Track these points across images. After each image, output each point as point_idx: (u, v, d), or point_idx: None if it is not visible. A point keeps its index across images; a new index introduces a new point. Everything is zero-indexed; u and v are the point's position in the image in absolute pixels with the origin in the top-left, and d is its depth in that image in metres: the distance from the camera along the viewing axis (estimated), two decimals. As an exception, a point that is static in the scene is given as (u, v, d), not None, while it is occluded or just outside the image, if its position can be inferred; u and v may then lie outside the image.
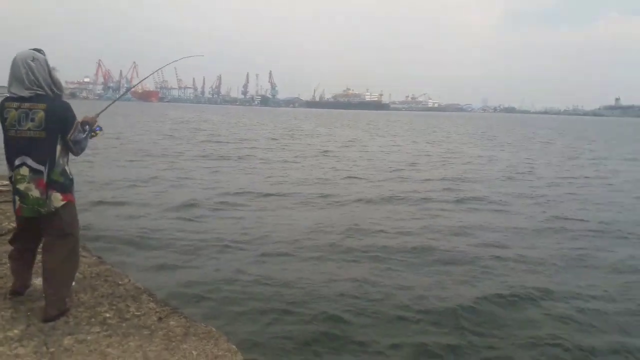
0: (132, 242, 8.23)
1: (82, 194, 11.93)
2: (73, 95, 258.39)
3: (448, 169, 20.10)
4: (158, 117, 67.59)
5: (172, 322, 3.33)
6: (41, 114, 3.14)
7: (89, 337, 3.05)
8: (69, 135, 3.25)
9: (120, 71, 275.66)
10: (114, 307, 3.51)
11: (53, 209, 3.26)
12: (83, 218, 9.29)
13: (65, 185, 3.33)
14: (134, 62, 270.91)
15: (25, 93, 3.15)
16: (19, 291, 3.60)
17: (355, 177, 16.74)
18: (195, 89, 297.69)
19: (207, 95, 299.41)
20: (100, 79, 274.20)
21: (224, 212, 10.78)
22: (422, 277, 7.14)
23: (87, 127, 3.48)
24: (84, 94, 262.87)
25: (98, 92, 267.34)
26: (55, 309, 3.28)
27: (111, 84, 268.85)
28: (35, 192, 3.19)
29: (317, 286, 6.52)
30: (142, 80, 6.82)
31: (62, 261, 3.35)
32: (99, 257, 4.72)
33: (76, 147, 3.34)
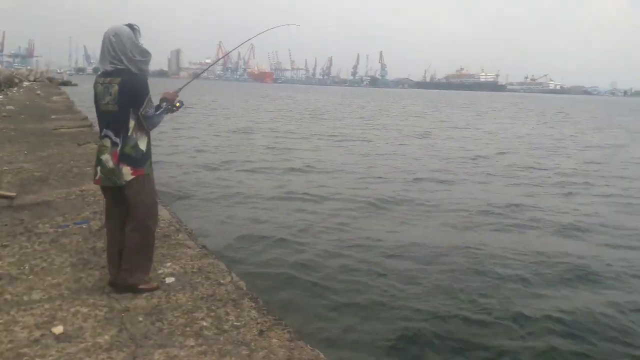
0: (242, 230, 7.65)
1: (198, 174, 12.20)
2: (195, 75, 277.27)
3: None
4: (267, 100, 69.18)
5: (274, 340, 2.82)
6: (115, 87, 3.19)
7: (182, 353, 2.64)
8: (141, 110, 3.21)
9: (239, 52, 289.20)
10: (213, 314, 3.09)
11: (124, 182, 3.25)
12: (191, 199, 9.61)
13: (137, 160, 3.28)
14: (252, 44, 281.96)
15: (108, 67, 3.24)
16: (116, 282, 3.41)
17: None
18: (307, 71, 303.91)
19: (317, 76, 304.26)
20: (221, 61, 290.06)
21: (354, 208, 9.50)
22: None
23: (165, 103, 3.42)
24: (205, 74, 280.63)
25: (218, 72, 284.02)
26: (124, 282, 3.34)
27: (230, 65, 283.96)
28: (110, 163, 3.25)
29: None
30: (228, 53, 6.28)
31: (129, 234, 3.34)
32: (203, 248, 4.41)
33: (147, 122, 3.28)
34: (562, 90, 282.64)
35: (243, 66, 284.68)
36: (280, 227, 7.85)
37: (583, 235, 8.16)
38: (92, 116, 16.98)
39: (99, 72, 3.35)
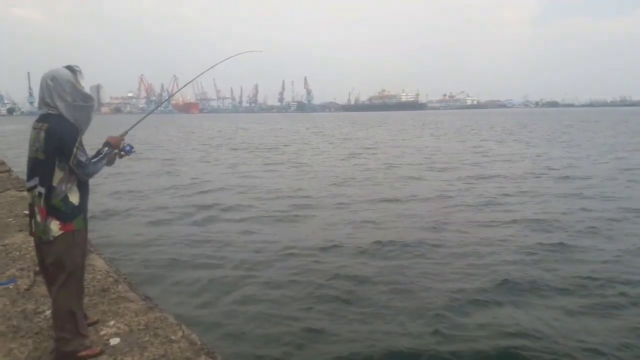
0: (183, 272, 7.35)
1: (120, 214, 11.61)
2: (118, 110, 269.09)
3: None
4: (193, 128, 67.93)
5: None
6: (42, 134, 2.99)
7: None
8: (71, 160, 2.98)
9: (162, 84, 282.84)
10: (168, 378, 2.87)
11: (51, 238, 3.00)
12: (123, 240, 9.09)
13: (66, 214, 3.04)
14: (174, 76, 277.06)
15: (43, 111, 3.07)
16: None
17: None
18: (233, 99, 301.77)
19: (244, 104, 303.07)
20: (143, 93, 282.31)
21: (287, 225, 9.83)
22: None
23: (107, 149, 3.24)
24: (128, 108, 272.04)
25: (141, 106, 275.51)
26: (54, 352, 3.08)
27: (153, 98, 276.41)
28: (39, 217, 3.02)
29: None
30: (184, 86, 5.93)
31: (55, 298, 3.08)
32: (147, 300, 4.14)
33: (80, 172, 3.04)
34: (479, 105, 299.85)
35: (167, 98, 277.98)
36: (224, 264, 7.60)
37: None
38: (9, 159, 15.77)
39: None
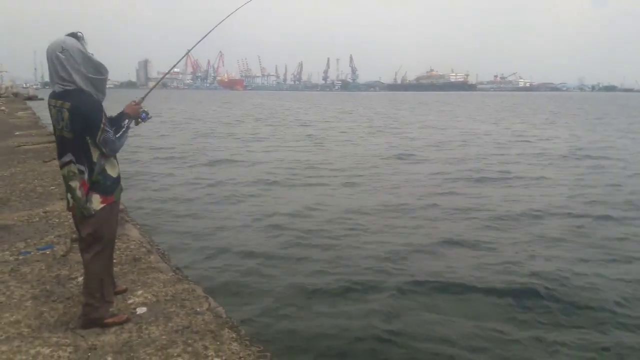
0: (219, 249, 7.17)
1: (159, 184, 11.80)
2: (165, 85, 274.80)
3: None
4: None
5: (258, 378, 2.57)
6: (66, 113, 2.86)
7: (155, 398, 2.37)
8: (97, 138, 2.89)
9: (208, 60, 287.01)
10: (190, 349, 2.82)
11: (92, 212, 2.98)
12: (155, 211, 9.21)
13: (106, 186, 3.03)
14: (220, 52, 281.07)
15: (57, 88, 2.88)
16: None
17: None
18: (278, 77, 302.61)
19: (288, 82, 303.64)
20: (190, 69, 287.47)
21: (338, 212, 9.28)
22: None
23: (127, 121, 3.16)
24: (175, 83, 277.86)
25: (187, 81, 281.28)
26: (82, 318, 3.11)
27: (199, 74, 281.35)
28: (79, 192, 2.96)
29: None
30: (178, 60, 4.84)
31: (88, 265, 3.08)
32: (177, 271, 4.13)
33: (107, 149, 2.96)
34: (532, 88, 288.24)
35: (213, 74, 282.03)
36: (262, 245, 7.40)
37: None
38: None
39: (51, 92, 2.96)
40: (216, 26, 4.17)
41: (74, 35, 2.89)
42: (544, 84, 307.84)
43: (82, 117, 2.84)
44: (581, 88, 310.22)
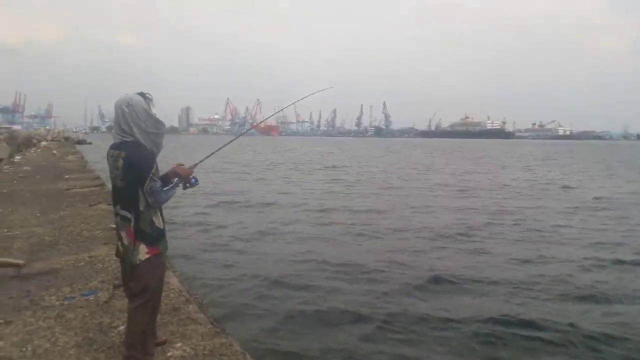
0: (256, 299, 7.02)
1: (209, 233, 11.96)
2: (205, 130, 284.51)
3: None
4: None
5: None
6: (121, 162, 3.07)
7: None
8: (145, 186, 3.03)
9: (246, 107, 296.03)
10: (227, 407, 2.83)
11: (138, 262, 3.09)
12: (193, 258, 9.17)
13: (152, 237, 3.13)
14: (258, 100, 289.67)
15: (117, 138, 3.13)
16: None
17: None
18: (312, 123, 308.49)
19: (322, 128, 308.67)
20: (228, 116, 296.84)
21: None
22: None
23: (176, 179, 3.32)
24: (214, 129, 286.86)
25: (226, 127, 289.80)
26: None
27: (237, 120, 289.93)
28: (125, 240, 3.13)
29: None
30: (276, 112, 6.11)
31: (131, 315, 3.18)
32: (215, 323, 4.17)
33: (152, 199, 3.08)
34: (572, 136, 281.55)
35: (250, 120, 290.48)
36: (302, 297, 7.18)
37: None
38: (104, 174, 16.92)
39: (111, 144, 3.22)
40: (289, 104, 4.68)
41: (142, 94, 3.16)
42: (586, 132, 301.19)
43: (134, 166, 3.03)
44: (625, 136, 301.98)
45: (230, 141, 4.34)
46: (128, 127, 3.07)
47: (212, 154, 3.86)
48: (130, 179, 3.05)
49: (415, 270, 8.69)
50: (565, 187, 23.69)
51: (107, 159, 3.19)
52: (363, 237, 11.52)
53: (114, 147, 3.15)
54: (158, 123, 3.17)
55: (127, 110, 3.06)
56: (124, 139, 3.09)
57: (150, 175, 3.03)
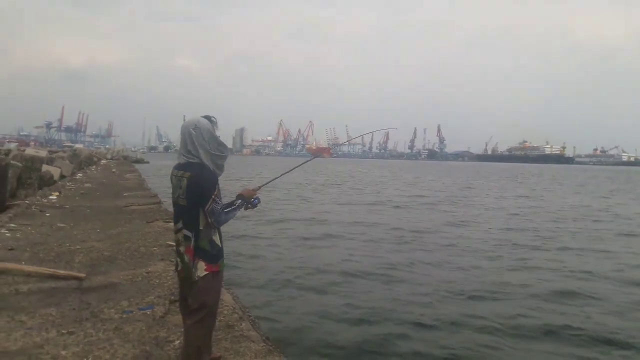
0: (309, 317, 7.03)
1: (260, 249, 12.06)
2: (257, 152, 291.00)
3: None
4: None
5: None
6: (185, 182, 3.15)
7: None
8: (206, 207, 3.09)
9: (299, 130, 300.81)
10: None
11: (196, 278, 3.14)
12: (246, 275, 9.28)
13: (212, 255, 3.18)
14: (310, 122, 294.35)
15: (182, 159, 3.21)
16: None
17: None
18: (364, 145, 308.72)
19: (374, 150, 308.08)
20: (281, 137, 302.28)
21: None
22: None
23: (240, 201, 3.41)
24: (267, 150, 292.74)
25: (278, 149, 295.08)
26: None
27: (289, 142, 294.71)
28: (186, 258, 3.18)
29: None
30: (341, 144, 5.94)
31: (189, 331, 3.22)
32: (267, 341, 4.14)
33: (212, 219, 3.13)
34: (637, 162, 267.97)
35: (302, 142, 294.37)
36: (359, 314, 7.16)
37: None
38: (161, 192, 17.38)
39: (176, 164, 3.32)
40: (354, 138, 4.55)
41: (208, 117, 3.27)
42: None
43: (197, 187, 3.10)
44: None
45: (295, 167, 4.45)
46: (194, 148, 3.16)
47: (276, 178, 3.94)
48: (193, 199, 3.11)
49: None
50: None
51: (171, 179, 3.29)
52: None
53: (178, 167, 3.24)
54: (221, 146, 3.26)
55: (194, 133, 3.16)
56: (189, 160, 3.17)
57: (213, 197, 3.09)
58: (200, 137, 3.15)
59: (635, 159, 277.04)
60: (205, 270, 3.13)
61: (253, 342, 4.02)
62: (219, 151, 3.23)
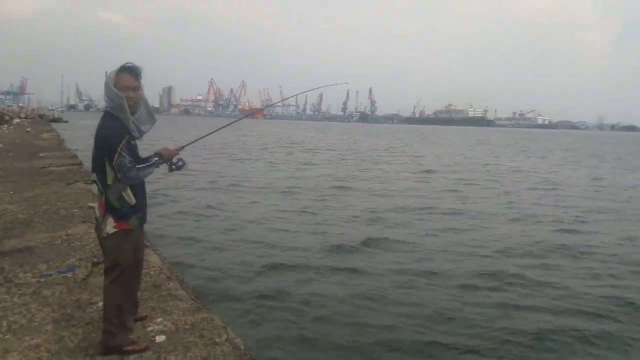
0: (238, 278, 7.10)
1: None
2: (187, 111, 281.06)
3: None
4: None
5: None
6: (96, 130, 3.03)
7: None
8: (114, 161, 2.92)
9: (231, 89, 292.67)
10: (208, 382, 2.79)
11: (104, 235, 3.03)
12: (174, 236, 9.22)
13: (122, 212, 3.04)
14: (243, 81, 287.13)
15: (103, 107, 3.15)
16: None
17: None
18: (297, 107, 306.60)
19: (308, 112, 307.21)
20: (212, 97, 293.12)
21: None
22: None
23: (156, 159, 3.18)
24: (197, 110, 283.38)
25: (209, 109, 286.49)
26: (101, 344, 3.14)
27: (221, 102, 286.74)
28: (97, 212, 3.08)
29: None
30: (274, 104, 5.99)
31: (105, 291, 3.15)
32: (196, 299, 4.12)
33: (121, 174, 2.95)
34: (550, 125, 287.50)
35: (235, 102, 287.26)
36: (287, 279, 7.23)
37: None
38: (81, 153, 16.60)
39: None
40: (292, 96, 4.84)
41: (122, 66, 3.08)
42: (563, 122, 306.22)
43: (102, 137, 2.98)
44: (600, 127, 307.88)
45: (223, 127, 4.30)
46: (105, 96, 3.07)
47: (201, 138, 3.81)
48: (99, 150, 3.00)
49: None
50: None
51: None
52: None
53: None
54: (114, 96, 3.02)
55: (105, 81, 3.05)
56: (105, 108, 3.08)
57: (118, 150, 2.92)
58: (106, 87, 3.03)
59: (549, 122, 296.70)
60: (115, 227, 3.02)
61: (181, 300, 3.98)
62: (113, 102, 3.01)
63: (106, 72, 3.10)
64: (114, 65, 3.08)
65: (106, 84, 3.03)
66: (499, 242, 9.79)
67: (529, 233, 10.73)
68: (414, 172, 22.96)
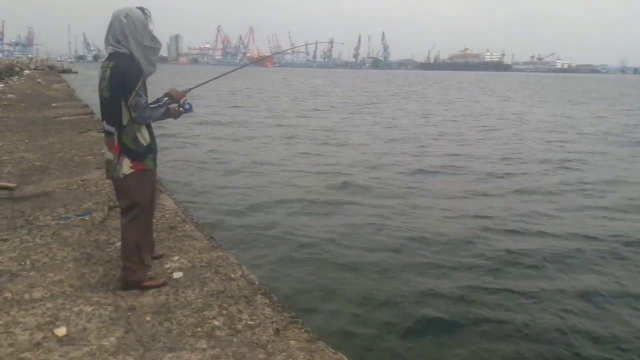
0: (251, 221, 7.41)
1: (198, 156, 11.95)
2: (195, 60, 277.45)
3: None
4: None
5: (291, 341, 2.63)
6: (108, 72, 2.97)
7: (193, 357, 2.45)
8: (130, 100, 2.92)
9: (239, 36, 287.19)
10: (225, 312, 2.90)
11: (121, 176, 3.05)
12: (194, 185, 9.45)
13: (137, 153, 3.07)
14: (251, 28, 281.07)
15: (109, 50, 3.02)
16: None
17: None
18: (307, 54, 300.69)
19: (318, 59, 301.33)
20: (220, 45, 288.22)
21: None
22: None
23: (167, 99, 3.16)
24: (205, 59, 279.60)
25: (217, 57, 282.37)
26: (121, 280, 3.22)
27: (229, 50, 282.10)
28: (109, 155, 3.09)
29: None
30: (275, 54, 5.99)
31: (124, 230, 3.21)
32: (211, 239, 4.21)
33: (136, 115, 2.97)
34: (570, 69, 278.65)
35: (243, 50, 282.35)
36: (295, 218, 7.58)
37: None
38: (92, 103, 16.80)
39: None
40: (292, 49, 4.28)
41: (141, 8, 3.06)
42: (583, 66, 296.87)
43: (120, 77, 2.93)
44: (622, 71, 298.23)
45: (226, 73, 4.25)
46: (124, 37, 2.98)
47: (206, 82, 3.75)
48: (115, 89, 2.96)
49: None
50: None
51: (99, 72, 3.08)
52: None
53: (107, 58, 3.06)
54: (155, 39, 3.07)
55: (125, 21, 2.98)
56: (117, 49, 2.99)
57: (136, 89, 2.92)
58: (132, 26, 2.97)
59: (569, 66, 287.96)
60: (132, 168, 3.05)
61: (196, 240, 4.07)
62: (153, 43, 3.05)
63: (128, 10, 3.00)
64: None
65: (143, 24, 3.00)
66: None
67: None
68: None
